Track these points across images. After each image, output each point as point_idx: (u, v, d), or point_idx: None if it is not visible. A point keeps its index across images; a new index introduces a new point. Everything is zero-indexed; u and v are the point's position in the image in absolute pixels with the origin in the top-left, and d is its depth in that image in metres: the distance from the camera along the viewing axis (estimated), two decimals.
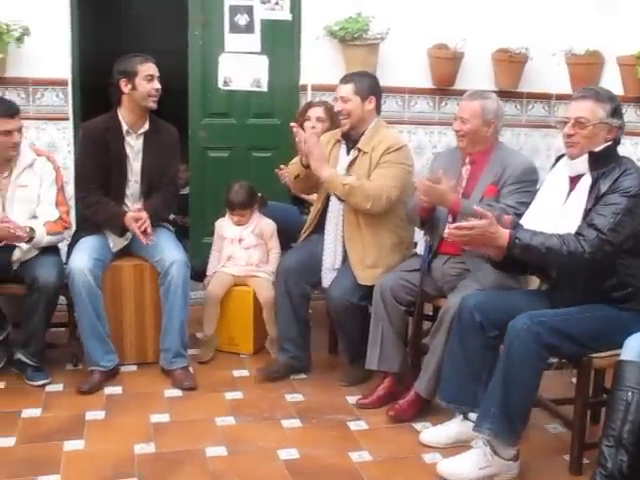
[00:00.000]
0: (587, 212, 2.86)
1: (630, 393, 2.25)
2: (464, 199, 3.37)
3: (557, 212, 2.96)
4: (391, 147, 3.63)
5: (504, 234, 2.83)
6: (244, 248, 4.14)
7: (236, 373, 3.91)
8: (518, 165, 3.40)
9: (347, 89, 3.68)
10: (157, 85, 3.77)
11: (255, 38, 4.93)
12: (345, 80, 3.73)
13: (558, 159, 3.17)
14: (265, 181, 4.54)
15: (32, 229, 3.56)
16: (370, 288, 3.59)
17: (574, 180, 2.99)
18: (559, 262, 2.82)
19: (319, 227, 3.87)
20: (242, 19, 4.90)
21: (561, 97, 5.22)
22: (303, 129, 4.24)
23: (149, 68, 3.78)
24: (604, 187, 2.84)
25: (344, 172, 3.69)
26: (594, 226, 2.77)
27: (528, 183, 3.38)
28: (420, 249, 3.69)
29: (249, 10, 4.89)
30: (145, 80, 3.75)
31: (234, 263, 4.15)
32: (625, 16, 4.57)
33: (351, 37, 4.71)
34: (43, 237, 3.62)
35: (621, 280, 2.87)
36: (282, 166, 4.18)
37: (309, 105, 4.41)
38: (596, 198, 2.85)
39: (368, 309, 3.65)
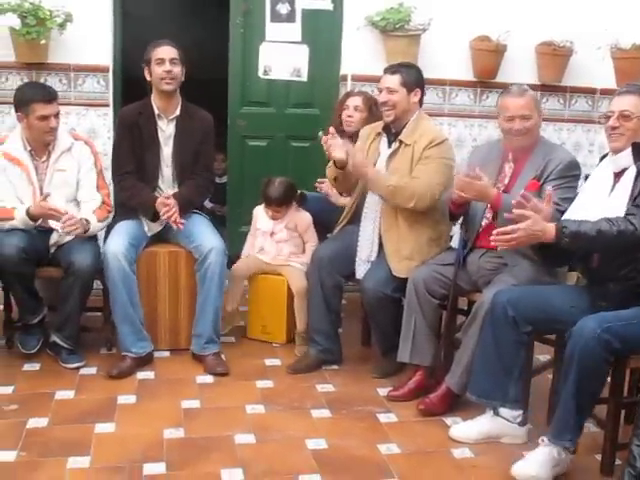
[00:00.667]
0: (632, 203, 2.83)
1: None
2: (505, 194, 3.33)
3: (602, 205, 2.93)
4: (434, 141, 3.60)
5: (550, 228, 2.81)
6: (275, 242, 4.14)
7: (268, 362, 3.92)
8: (561, 160, 3.34)
9: (394, 80, 3.64)
10: (167, 67, 3.78)
11: (296, 27, 4.92)
12: (391, 71, 3.69)
13: (602, 158, 3.15)
14: (303, 171, 4.55)
15: (87, 221, 3.63)
16: (404, 280, 3.57)
17: (618, 175, 2.96)
18: (609, 244, 2.78)
19: (355, 218, 3.85)
20: (283, 8, 4.89)
21: (605, 92, 5.13)
22: (340, 119, 4.25)
23: (158, 52, 3.80)
24: None
25: (384, 164, 3.68)
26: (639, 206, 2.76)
27: (571, 178, 3.32)
28: (455, 243, 3.65)
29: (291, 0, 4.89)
30: (156, 64, 3.78)
31: (266, 254, 4.16)
32: None
33: (392, 27, 4.68)
34: (96, 226, 3.70)
35: None
36: (319, 180, 4.17)
37: (348, 94, 4.38)
38: None
39: (402, 301, 3.63)
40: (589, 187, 3.10)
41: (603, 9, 4.87)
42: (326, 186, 4.18)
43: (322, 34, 4.93)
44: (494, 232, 2.93)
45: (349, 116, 4.20)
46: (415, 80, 3.69)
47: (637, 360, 2.87)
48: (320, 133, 3.63)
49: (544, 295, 3.10)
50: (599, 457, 2.97)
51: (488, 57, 4.92)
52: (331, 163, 3.74)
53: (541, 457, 2.84)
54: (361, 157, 3.58)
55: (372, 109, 4.20)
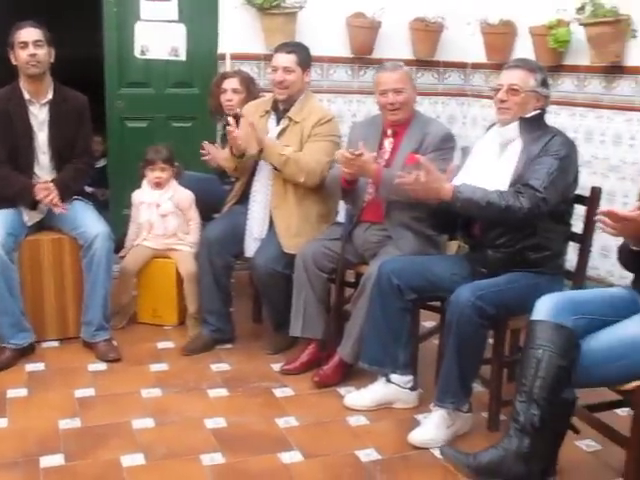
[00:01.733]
0: (518, 174, 2.96)
1: (541, 351, 2.35)
2: (386, 168, 3.43)
3: (488, 174, 3.05)
4: (322, 119, 3.69)
5: (447, 189, 2.92)
6: (161, 215, 4.09)
7: (160, 345, 3.91)
8: (437, 133, 3.48)
9: (291, 59, 3.68)
10: (31, 51, 3.63)
11: (172, 6, 4.85)
12: (287, 50, 3.72)
13: (489, 128, 3.27)
14: (185, 151, 4.49)
15: None
16: (294, 257, 3.63)
17: (504, 146, 3.09)
18: (495, 216, 2.91)
19: (243, 198, 3.88)
20: None
21: (476, 66, 5.34)
22: (219, 102, 4.24)
23: (21, 34, 3.66)
24: (535, 150, 2.96)
25: None
26: (530, 186, 2.87)
27: (447, 150, 3.47)
28: (341, 217, 3.74)
29: None
30: (20, 48, 3.66)
31: (153, 233, 4.10)
32: None
33: (269, 5, 4.69)
34: None
35: (539, 243, 2.99)
36: (205, 145, 4.16)
37: (223, 76, 4.34)
38: (527, 161, 2.96)
39: (292, 278, 3.69)
40: (476, 155, 3.21)
41: None
42: (213, 149, 4.18)
43: (199, 12, 4.88)
44: (400, 174, 3.03)
45: (228, 100, 4.19)
46: (308, 59, 3.78)
47: (515, 322, 3.05)
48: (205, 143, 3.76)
49: (427, 264, 3.24)
50: (486, 414, 3.14)
51: (364, 33, 5.01)
52: (227, 155, 3.77)
53: (434, 420, 3.00)
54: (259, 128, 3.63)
55: (250, 88, 4.23)
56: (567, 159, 2.95)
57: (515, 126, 3.04)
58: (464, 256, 3.31)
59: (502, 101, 3.04)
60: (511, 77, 3.05)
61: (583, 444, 3.00)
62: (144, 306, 4.15)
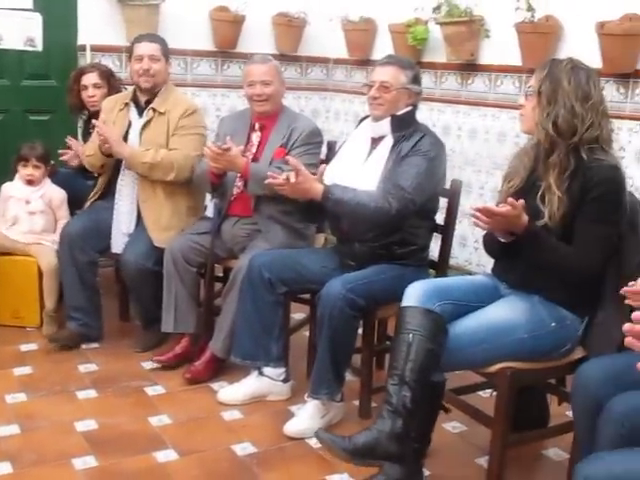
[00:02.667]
0: (388, 171, 3.03)
1: (411, 335, 2.44)
2: (253, 163, 3.45)
3: (358, 169, 3.12)
4: (188, 110, 3.67)
5: (318, 190, 2.97)
6: (29, 212, 3.94)
7: (24, 347, 3.76)
8: (304, 128, 3.53)
9: (155, 48, 3.66)
10: None
11: None
12: (150, 39, 3.70)
13: (361, 120, 3.32)
14: (44, 144, 4.33)
15: None
16: (162, 251, 3.59)
17: (375, 141, 3.15)
18: (364, 216, 2.98)
19: (107, 193, 3.79)
20: None
21: (338, 61, 5.44)
22: (79, 99, 4.12)
23: None
24: (405, 149, 3.04)
25: (138, 135, 3.66)
26: (399, 186, 2.95)
27: (314, 145, 3.53)
28: (210, 212, 3.72)
29: None
30: None
31: (18, 228, 3.94)
32: None
33: None
34: None
35: (405, 238, 3.09)
36: (70, 141, 4.02)
37: (81, 72, 4.18)
38: (397, 159, 3.03)
39: (162, 274, 3.65)
40: (347, 149, 3.26)
41: None
42: (78, 146, 4.06)
43: (56, 2, 4.69)
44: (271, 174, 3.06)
45: (91, 96, 4.08)
46: (168, 51, 3.77)
47: (383, 311, 3.14)
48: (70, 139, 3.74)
49: (296, 257, 3.28)
50: (357, 402, 3.22)
51: (227, 27, 4.99)
52: (94, 150, 3.70)
53: (308, 411, 3.05)
54: (116, 136, 3.57)
55: (110, 81, 4.14)
56: (436, 160, 3.06)
57: (386, 122, 3.11)
58: (332, 249, 3.38)
59: (374, 98, 3.10)
60: (383, 74, 3.11)
61: (450, 426, 3.14)
62: (3, 307, 3.95)
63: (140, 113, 3.71)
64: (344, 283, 2.94)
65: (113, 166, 3.77)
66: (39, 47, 4.70)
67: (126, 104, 3.75)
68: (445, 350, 2.45)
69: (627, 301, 1.98)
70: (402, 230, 3.07)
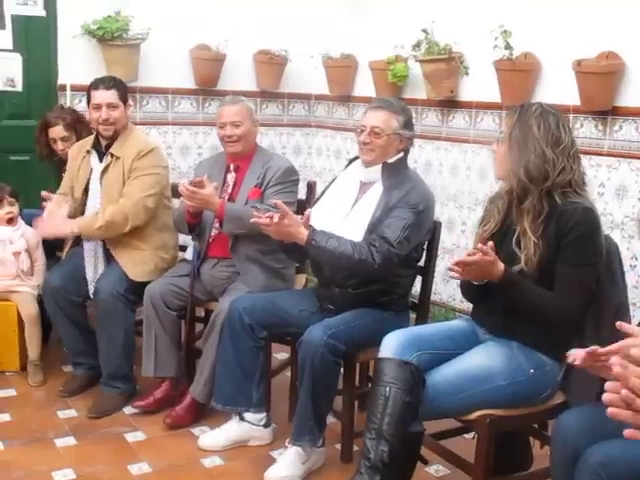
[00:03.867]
0: (375, 220, 2.99)
1: (388, 388, 2.42)
2: (229, 202, 3.44)
3: (345, 214, 3.09)
4: (142, 151, 3.62)
5: (302, 234, 2.91)
6: (14, 253, 3.89)
7: (2, 393, 3.71)
8: (279, 166, 3.53)
9: (113, 95, 3.61)
10: None
11: (6, 34, 4.65)
12: (106, 86, 3.62)
13: (351, 161, 3.30)
14: (23, 186, 4.31)
15: None
16: (138, 286, 3.56)
17: (365, 186, 3.12)
18: (347, 266, 2.94)
19: (80, 239, 3.74)
20: None
21: (320, 97, 5.47)
22: (49, 149, 4.13)
23: None
24: (394, 199, 3.00)
25: (98, 180, 3.64)
26: (385, 239, 2.91)
27: (290, 184, 3.53)
28: (189, 254, 3.71)
29: None
30: None
31: (4, 271, 3.89)
32: (375, 22, 4.86)
33: (110, 37, 4.59)
34: None
35: (387, 287, 3.08)
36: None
37: (46, 124, 4.11)
38: (385, 208, 2.99)
39: (134, 310, 3.63)
40: (336, 190, 3.23)
41: (314, 20, 5.12)
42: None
43: (36, 42, 4.71)
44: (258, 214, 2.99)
45: (61, 150, 4.05)
46: (126, 92, 3.73)
47: (364, 355, 3.11)
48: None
49: (276, 301, 3.25)
50: (339, 446, 3.19)
51: (208, 65, 5.01)
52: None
53: (290, 457, 3.01)
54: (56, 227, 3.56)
55: (77, 129, 4.09)
56: (424, 213, 3.03)
57: (377, 169, 3.08)
58: (312, 291, 3.36)
59: (365, 143, 3.07)
60: (374, 119, 3.07)
61: (432, 469, 3.11)
62: None
63: (101, 159, 3.69)
64: (325, 329, 2.91)
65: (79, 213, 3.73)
66: (19, 87, 4.71)
67: (88, 151, 3.72)
68: (423, 400, 2.43)
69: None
70: (385, 279, 3.05)
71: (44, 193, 3.62)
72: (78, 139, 3.97)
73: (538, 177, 2.45)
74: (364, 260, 2.90)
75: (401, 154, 3.12)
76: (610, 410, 1.45)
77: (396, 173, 3.07)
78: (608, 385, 1.47)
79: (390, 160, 3.08)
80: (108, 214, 3.52)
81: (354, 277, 3.04)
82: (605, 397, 1.46)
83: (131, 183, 3.59)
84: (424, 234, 3.11)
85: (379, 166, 3.08)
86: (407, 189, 3.03)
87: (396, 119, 3.08)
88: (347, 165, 3.33)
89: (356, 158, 3.25)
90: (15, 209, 3.93)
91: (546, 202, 2.47)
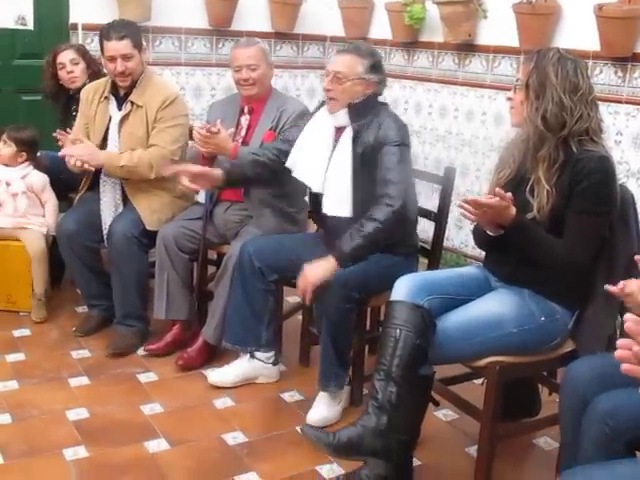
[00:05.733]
0: (357, 165, 2.95)
1: (398, 330, 2.42)
2: (242, 146, 3.42)
3: (325, 163, 3.04)
4: (166, 101, 3.56)
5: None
6: (11, 194, 3.90)
7: (16, 333, 3.75)
8: (294, 109, 3.49)
9: (126, 45, 3.50)
10: None
11: None
12: (119, 36, 3.49)
13: (321, 104, 3.20)
14: (37, 126, 4.29)
15: None
16: (151, 232, 3.57)
17: (338, 131, 3.06)
18: (383, 237, 2.89)
19: (95, 184, 3.73)
20: None
21: (335, 39, 5.38)
22: (57, 81, 4.09)
23: None
24: (370, 138, 2.95)
25: (117, 129, 3.60)
26: (389, 181, 2.88)
27: (303, 126, 3.47)
28: (201, 197, 3.70)
29: None
30: None
31: (3, 212, 3.92)
32: None
33: None
34: None
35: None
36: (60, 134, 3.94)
37: (55, 53, 4.08)
38: (364, 150, 2.96)
39: (147, 252, 3.64)
40: (311, 136, 3.13)
41: None
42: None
43: None
44: None
45: (70, 72, 4.02)
46: (140, 37, 3.62)
47: (376, 300, 3.11)
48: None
49: (286, 245, 3.26)
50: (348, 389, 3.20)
51: (222, 5, 4.93)
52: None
53: (325, 400, 3.05)
54: (88, 150, 3.50)
55: (86, 57, 4.09)
56: (404, 147, 2.96)
57: (344, 113, 3.01)
58: (321, 235, 3.34)
59: (328, 90, 2.98)
60: (338, 64, 2.99)
61: (441, 413, 3.14)
62: None
63: (119, 106, 3.63)
64: (338, 278, 2.91)
65: None
66: (30, 25, 4.66)
67: (106, 97, 3.66)
68: (433, 344, 2.44)
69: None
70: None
71: (58, 132, 3.58)
72: (88, 68, 3.94)
73: (555, 125, 2.41)
74: (387, 219, 2.85)
75: (368, 96, 3.02)
76: (624, 367, 1.45)
77: (363, 113, 2.99)
78: (620, 342, 1.47)
79: (356, 101, 2.98)
80: (135, 157, 3.49)
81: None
82: (617, 354, 1.46)
83: (157, 135, 3.55)
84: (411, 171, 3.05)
85: (345, 110, 3.00)
86: (379, 126, 2.95)
87: (361, 63, 2.98)
88: (318, 107, 3.23)
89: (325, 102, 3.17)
90: (7, 151, 3.89)
91: (562, 150, 2.43)
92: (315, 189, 3.13)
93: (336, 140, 3.06)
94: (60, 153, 3.51)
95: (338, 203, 3.02)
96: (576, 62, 2.46)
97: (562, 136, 2.42)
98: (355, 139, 3.00)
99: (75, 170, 3.55)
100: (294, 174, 3.15)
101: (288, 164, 3.15)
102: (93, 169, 3.57)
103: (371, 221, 2.86)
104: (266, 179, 3.24)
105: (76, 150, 3.49)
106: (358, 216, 2.94)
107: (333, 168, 3.04)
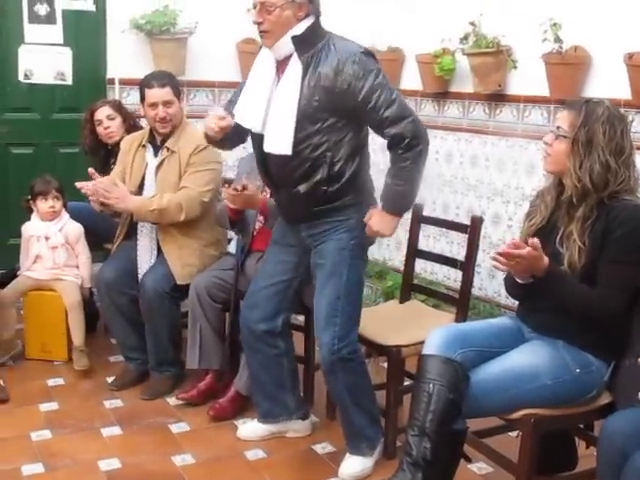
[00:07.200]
0: (312, 93, 2.71)
1: (431, 385, 2.40)
2: (270, 198, 3.44)
3: (266, 101, 2.81)
4: (199, 147, 3.62)
5: None
6: (51, 247, 3.97)
7: (51, 382, 3.79)
8: None
9: (167, 92, 3.61)
10: None
11: (57, 29, 4.76)
12: (160, 83, 3.61)
13: (260, 48, 2.97)
14: (73, 178, 4.33)
15: None
16: (183, 285, 3.60)
17: (281, 64, 2.79)
18: (422, 162, 2.77)
19: (131, 232, 3.80)
20: (42, 9, 4.72)
21: None
22: (95, 136, 4.17)
23: None
24: (329, 72, 2.67)
25: (153, 175, 3.67)
26: (389, 118, 2.69)
27: None
28: (232, 248, 3.72)
29: (49, 0, 4.70)
30: None
31: (41, 265, 3.98)
32: (422, 15, 4.81)
33: (158, 31, 4.65)
34: None
35: (331, 175, 2.85)
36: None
37: (92, 110, 4.20)
38: (319, 80, 2.70)
39: (179, 305, 3.68)
40: (253, 79, 2.91)
41: (361, 13, 5.05)
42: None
43: (85, 36, 4.83)
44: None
45: (107, 127, 4.12)
46: (179, 87, 3.73)
47: (407, 350, 3.07)
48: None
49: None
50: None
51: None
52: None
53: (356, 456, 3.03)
54: (118, 193, 3.51)
55: (122, 111, 4.18)
56: (379, 72, 2.72)
57: (286, 42, 2.73)
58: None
59: (258, 23, 2.72)
60: None
61: (475, 467, 3.07)
62: (32, 341, 4.01)
63: (156, 153, 3.71)
64: (332, 337, 2.87)
65: None
66: (69, 81, 4.80)
67: (143, 145, 3.74)
68: (467, 398, 2.41)
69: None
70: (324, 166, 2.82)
71: (90, 170, 3.57)
72: (124, 122, 4.03)
73: (599, 185, 2.41)
74: (410, 176, 2.76)
75: (310, 21, 2.75)
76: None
77: (310, 43, 2.73)
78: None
79: (298, 32, 2.72)
80: (165, 200, 3.54)
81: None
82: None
83: (188, 177, 3.61)
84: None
85: (286, 39, 2.72)
86: (335, 58, 2.68)
87: None
88: (260, 49, 2.99)
89: None
90: (58, 204, 3.98)
91: (596, 207, 2.43)
92: (255, 130, 2.87)
93: (279, 75, 2.81)
94: (78, 184, 3.51)
95: (278, 140, 2.79)
96: (623, 121, 2.45)
97: (602, 196, 2.42)
98: (306, 71, 2.73)
99: (96, 208, 3.61)
100: (236, 119, 2.88)
101: (236, 118, 2.88)
102: (116, 213, 3.65)
103: (398, 164, 2.74)
104: None
105: (110, 192, 3.51)
106: (301, 154, 2.78)
107: (275, 104, 2.80)
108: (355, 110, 2.74)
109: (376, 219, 2.83)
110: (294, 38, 2.73)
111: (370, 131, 2.90)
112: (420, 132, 2.74)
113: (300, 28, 2.73)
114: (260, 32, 2.76)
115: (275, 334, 3.13)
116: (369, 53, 2.77)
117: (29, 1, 4.67)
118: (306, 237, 2.98)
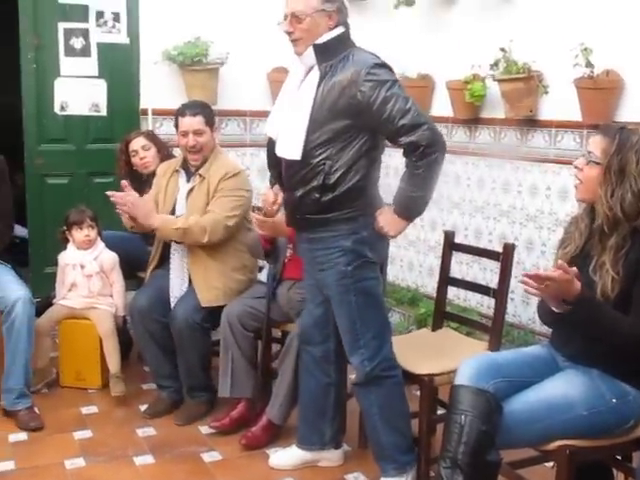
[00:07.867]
0: (324, 101, 2.76)
1: (463, 416, 2.37)
2: None
3: (291, 98, 2.88)
4: (228, 173, 3.67)
5: None
6: (86, 276, 4.02)
7: (85, 410, 3.81)
8: None
9: (199, 122, 3.66)
10: None
11: (92, 62, 4.86)
12: (193, 112, 3.67)
13: None
14: (106, 208, 4.42)
15: None
16: (213, 310, 3.61)
17: (308, 72, 2.86)
18: (438, 167, 2.78)
19: (163, 260, 3.84)
20: (77, 42, 4.81)
21: None
22: (130, 167, 4.23)
23: None
24: (343, 80, 2.71)
25: (184, 200, 3.72)
26: (405, 126, 2.69)
27: None
28: (264, 276, 3.73)
29: (85, 33, 4.83)
30: None
31: (77, 293, 4.03)
32: (452, 41, 4.82)
33: (190, 62, 4.72)
34: None
35: (326, 184, 2.86)
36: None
37: (127, 141, 4.29)
38: (340, 93, 2.72)
39: (210, 334, 3.69)
40: (286, 82, 2.98)
41: (391, 40, 5.09)
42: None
43: (119, 68, 4.91)
44: None
45: (142, 158, 4.20)
46: (213, 116, 3.78)
47: (440, 378, 3.05)
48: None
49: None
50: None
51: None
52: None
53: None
54: (144, 208, 3.58)
55: (156, 141, 4.25)
56: (394, 83, 2.75)
57: (310, 52, 2.80)
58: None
59: (289, 33, 2.79)
60: (292, 4, 2.79)
61: None
62: (67, 369, 4.04)
63: (188, 179, 3.76)
64: (362, 359, 2.93)
65: None
66: (103, 112, 4.89)
67: (176, 170, 3.81)
68: (500, 429, 2.37)
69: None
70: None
71: (123, 182, 3.60)
72: (159, 152, 4.09)
73: (631, 214, 2.39)
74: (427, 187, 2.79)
75: (337, 32, 2.81)
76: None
77: (332, 53, 2.78)
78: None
79: (321, 41, 2.78)
80: (190, 221, 3.57)
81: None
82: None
83: (215, 202, 3.65)
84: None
85: (311, 49, 2.79)
86: (351, 70, 2.71)
87: None
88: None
89: None
90: (93, 233, 4.04)
91: (630, 236, 2.40)
92: (270, 134, 2.98)
93: (305, 76, 2.87)
94: (109, 192, 3.57)
95: (289, 144, 2.85)
96: None
97: (636, 225, 2.40)
98: (322, 80, 2.78)
99: (126, 224, 3.73)
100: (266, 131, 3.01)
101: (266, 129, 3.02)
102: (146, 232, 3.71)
103: (412, 170, 2.75)
104: None
105: (136, 206, 3.55)
106: (304, 160, 2.81)
107: (290, 109, 2.87)
108: (368, 121, 2.76)
109: (385, 217, 2.86)
110: (315, 46, 2.79)
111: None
112: (436, 139, 2.74)
113: (325, 37, 2.79)
114: (292, 40, 2.83)
115: (330, 361, 3.15)
116: (384, 64, 2.80)
117: (65, 35, 4.77)
118: (308, 251, 3.02)
